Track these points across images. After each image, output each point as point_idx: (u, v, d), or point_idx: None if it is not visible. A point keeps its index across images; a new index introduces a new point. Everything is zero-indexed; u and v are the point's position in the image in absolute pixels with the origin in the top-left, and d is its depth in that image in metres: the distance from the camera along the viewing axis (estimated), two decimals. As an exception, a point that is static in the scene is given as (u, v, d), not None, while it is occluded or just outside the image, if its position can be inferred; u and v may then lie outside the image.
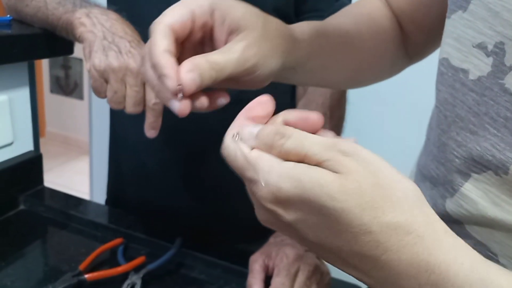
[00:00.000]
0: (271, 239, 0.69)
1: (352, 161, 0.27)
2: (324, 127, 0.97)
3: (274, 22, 0.42)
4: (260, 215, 0.31)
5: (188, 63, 0.35)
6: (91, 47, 0.60)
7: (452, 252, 0.26)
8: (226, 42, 0.38)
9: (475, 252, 0.27)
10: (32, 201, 0.80)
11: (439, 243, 0.26)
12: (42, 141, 0.88)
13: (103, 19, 0.62)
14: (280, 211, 0.28)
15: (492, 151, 0.35)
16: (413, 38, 0.57)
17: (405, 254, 0.26)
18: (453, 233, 0.28)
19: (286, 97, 0.85)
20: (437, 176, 0.41)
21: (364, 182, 0.26)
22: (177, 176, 0.82)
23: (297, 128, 0.29)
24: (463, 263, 0.26)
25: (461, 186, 0.38)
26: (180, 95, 0.35)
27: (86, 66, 0.61)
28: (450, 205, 0.39)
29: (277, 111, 0.34)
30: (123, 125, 0.86)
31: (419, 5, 0.54)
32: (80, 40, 0.63)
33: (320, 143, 0.28)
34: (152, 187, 0.85)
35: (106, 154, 0.94)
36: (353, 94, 0.83)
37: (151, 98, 0.59)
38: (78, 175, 3.11)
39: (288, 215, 0.28)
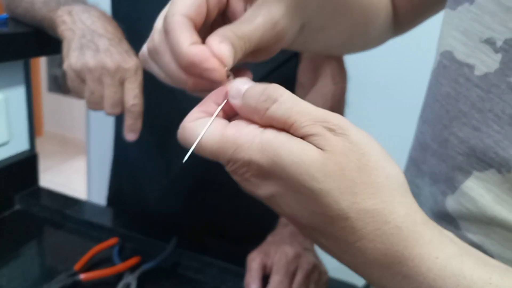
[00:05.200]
0: (270, 238, 0.69)
1: (340, 141, 0.25)
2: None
3: None
4: (242, 184, 0.29)
5: (215, 36, 0.30)
6: (69, 46, 0.59)
7: (428, 246, 0.26)
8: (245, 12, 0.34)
9: (453, 244, 0.27)
10: (28, 200, 0.80)
11: (416, 235, 0.26)
12: (39, 140, 0.88)
13: (84, 17, 0.61)
14: (259, 182, 0.27)
15: (495, 149, 0.34)
16: (401, 11, 0.57)
17: (381, 244, 0.25)
18: (433, 223, 0.27)
19: None
20: (439, 172, 0.41)
21: (348, 165, 0.25)
22: (174, 178, 0.81)
23: None
24: (437, 257, 0.26)
25: (461, 183, 0.37)
26: (231, 77, 0.30)
27: (63, 65, 0.59)
28: (451, 202, 0.39)
29: None
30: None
31: None
32: (62, 39, 0.62)
33: (310, 114, 0.26)
34: (149, 190, 0.85)
35: (104, 153, 0.94)
36: (352, 95, 0.83)
37: (129, 100, 0.58)
38: (76, 174, 3.11)
39: (266, 188, 0.27)
